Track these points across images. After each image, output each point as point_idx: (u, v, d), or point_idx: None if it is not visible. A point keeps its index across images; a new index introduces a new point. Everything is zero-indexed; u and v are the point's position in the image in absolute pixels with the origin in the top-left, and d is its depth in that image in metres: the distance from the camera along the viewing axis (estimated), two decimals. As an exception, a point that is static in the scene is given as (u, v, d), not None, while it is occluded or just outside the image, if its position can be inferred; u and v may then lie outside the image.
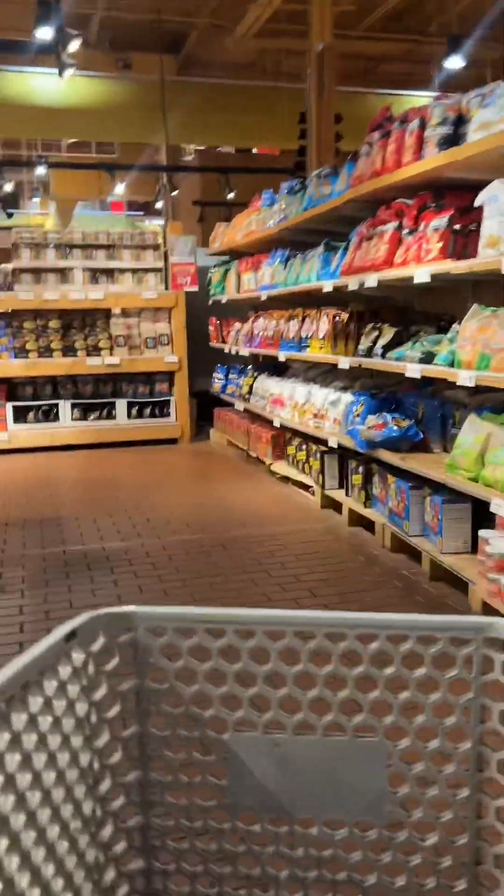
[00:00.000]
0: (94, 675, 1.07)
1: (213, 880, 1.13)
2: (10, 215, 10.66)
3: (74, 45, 5.34)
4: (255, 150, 13.34)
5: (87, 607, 1.36)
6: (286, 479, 5.16)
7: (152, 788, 1.12)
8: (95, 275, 6.67)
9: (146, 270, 6.77)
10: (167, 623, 1.08)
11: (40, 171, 14.94)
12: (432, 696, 1.05)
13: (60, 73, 5.39)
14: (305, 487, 4.83)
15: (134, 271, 6.74)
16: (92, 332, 6.64)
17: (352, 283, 3.94)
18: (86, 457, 6.26)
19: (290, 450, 5.16)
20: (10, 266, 6.52)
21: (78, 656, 1.04)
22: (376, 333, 3.97)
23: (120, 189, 9.16)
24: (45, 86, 9.35)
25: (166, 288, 6.81)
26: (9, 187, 9.37)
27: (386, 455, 3.68)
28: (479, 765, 1.06)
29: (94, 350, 6.63)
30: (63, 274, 6.56)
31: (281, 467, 5.27)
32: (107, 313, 6.71)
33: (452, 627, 1.04)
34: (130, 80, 9.84)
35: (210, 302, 6.95)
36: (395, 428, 3.69)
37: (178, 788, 1.11)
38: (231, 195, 9.23)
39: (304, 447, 4.86)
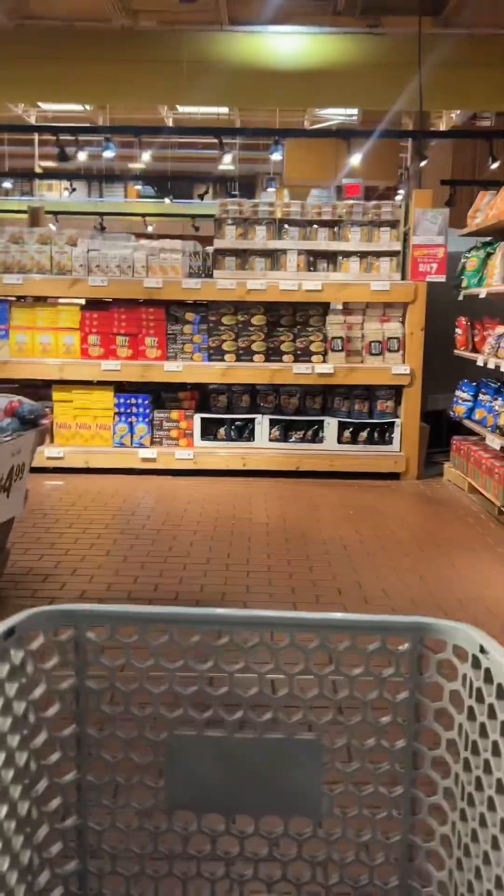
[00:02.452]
0: (33, 674, 1.06)
1: (148, 881, 1.12)
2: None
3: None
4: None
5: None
6: None
7: (89, 789, 1.11)
8: (313, 259, 5.29)
9: (378, 254, 5.25)
10: (109, 621, 1.06)
11: (276, 156, 14.06)
12: (369, 694, 1.07)
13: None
14: None
15: (363, 255, 5.26)
16: (303, 332, 5.28)
17: None
18: (281, 489, 4.93)
19: None
20: (210, 247, 5.37)
21: (17, 654, 1.03)
22: None
23: (356, 159, 7.73)
24: (283, 48, 8.22)
25: (403, 277, 5.25)
26: (228, 159, 8.34)
27: None
28: (413, 762, 1.08)
29: (304, 354, 5.26)
30: (273, 257, 5.26)
31: None
32: (324, 308, 5.32)
33: (389, 627, 1.05)
34: (380, 36, 8.35)
35: (460, 296, 5.26)
36: None
37: (116, 789, 1.11)
38: (495, 165, 7.41)
39: None
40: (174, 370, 5.18)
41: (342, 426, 5.30)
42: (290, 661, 1.05)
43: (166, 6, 8.54)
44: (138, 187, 18.19)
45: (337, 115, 13.42)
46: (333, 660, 1.04)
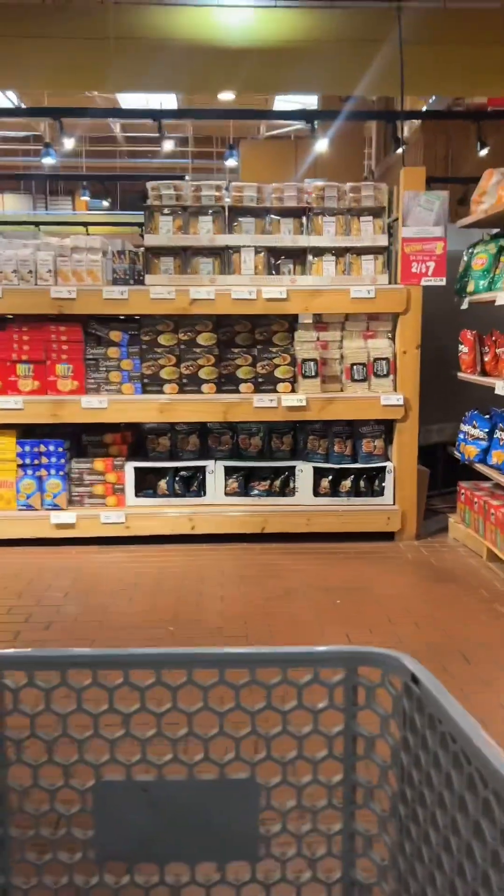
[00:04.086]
0: None
1: None
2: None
3: None
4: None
5: None
6: None
7: (12, 846, 1.04)
8: (275, 259, 4.10)
9: (359, 251, 4.08)
10: (26, 667, 1.01)
11: (231, 162, 13.03)
12: (304, 729, 1.04)
13: None
14: None
15: (339, 253, 4.09)
16: (265, 354, 4.08)
17: None
18: (241, 563, 3.71)
19: None
20: (142, 247, 4.15)
21: None
22: None
23: (322, 145, 6.61)
24: (235, 22, 7.08)
25: (391, 280, 4.09)
26: (169, 146, 7.16)
27: None
28: (352, 797, 1.05)
29: (267, 382, 4.06)
30: (223, 257, 4.06)
31: None
32: (290, 322, 4.13)
33: (321, 659, 1.03)
34: (346, 10, 7.28)
35: (464, 304, 4.12)
36: None
37: (41, 843, 1.04)
38: (484, 152, 6.37)
39: None
40: (96, 407, 3.93)
41: (319, 473, 4.10)
42: (222, 699, 1.00)
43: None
44: (86, 199, 17.00)
45: (294, 125, 12.36)
46: (265, 695, 1.00)
